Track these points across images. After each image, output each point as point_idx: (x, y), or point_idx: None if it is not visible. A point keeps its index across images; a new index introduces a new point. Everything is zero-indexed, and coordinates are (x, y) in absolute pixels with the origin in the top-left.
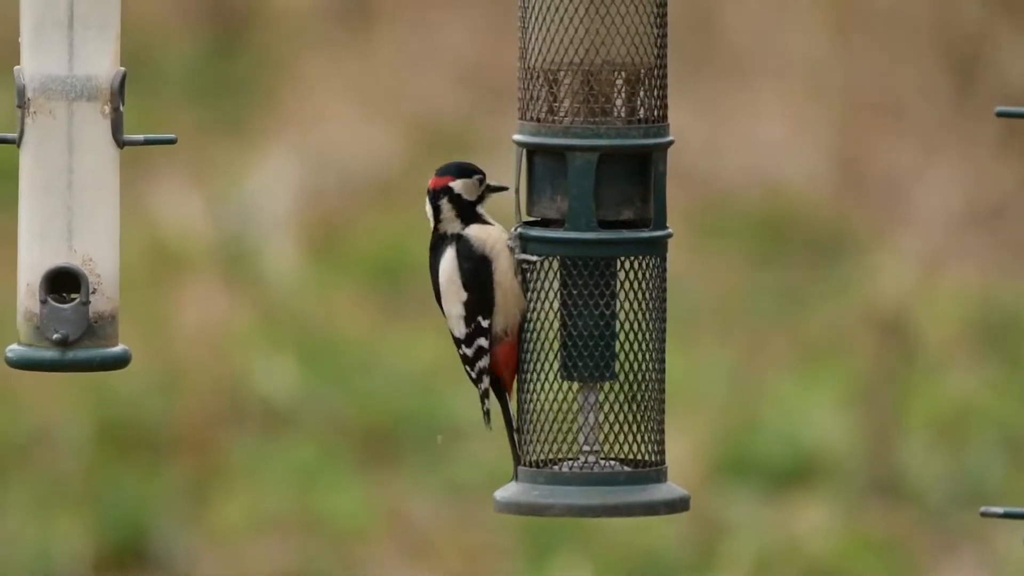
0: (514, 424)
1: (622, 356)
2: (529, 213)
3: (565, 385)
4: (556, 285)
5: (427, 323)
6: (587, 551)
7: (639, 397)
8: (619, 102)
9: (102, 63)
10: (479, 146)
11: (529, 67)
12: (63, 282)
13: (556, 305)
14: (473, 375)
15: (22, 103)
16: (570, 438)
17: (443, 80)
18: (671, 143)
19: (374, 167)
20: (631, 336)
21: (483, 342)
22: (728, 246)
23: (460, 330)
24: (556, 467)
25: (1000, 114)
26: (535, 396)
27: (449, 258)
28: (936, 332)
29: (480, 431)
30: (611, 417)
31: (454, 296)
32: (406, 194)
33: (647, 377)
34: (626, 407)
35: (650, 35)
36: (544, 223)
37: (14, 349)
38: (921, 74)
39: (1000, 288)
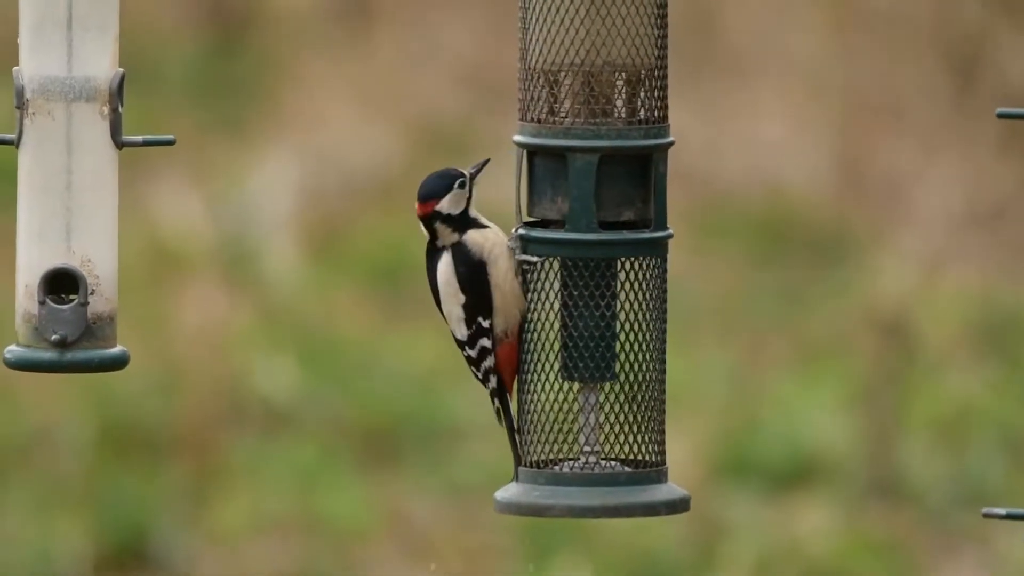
0: (515, 424)
1: (623, 357)
2: (530, 214)
3: (566, 385)
4: (557, 286)
5: (427, 324)
6: (587, 552)
7: (640, 397)
8: (620, 103)
9: (101, 64)
10: (479, 147)
11: (530, 68)
12: (62, 283)
13: (557, 306)
14: (480, 376)
15: (21, 104)
16: (571, 439)
17: (443, 81)
18: (672, 144)
19: (374, 168)
20: (632, 337)
21: (486, 342)
22: (728, 246)
23: (462, 332)
24: (557, 468)
25: (1001, 115)
26: (536, 397)
27: (446, 262)
28: (936, 333)
29: (481, 432)
30: (612, 418)
31: (453, 299)
32: (406, 195)
33: (648, 377)
34: (627, 407)
35: (651, 36)
36: (544, 224)
37: (13, 350)
38: (921, 74)
39: (1001, 289)
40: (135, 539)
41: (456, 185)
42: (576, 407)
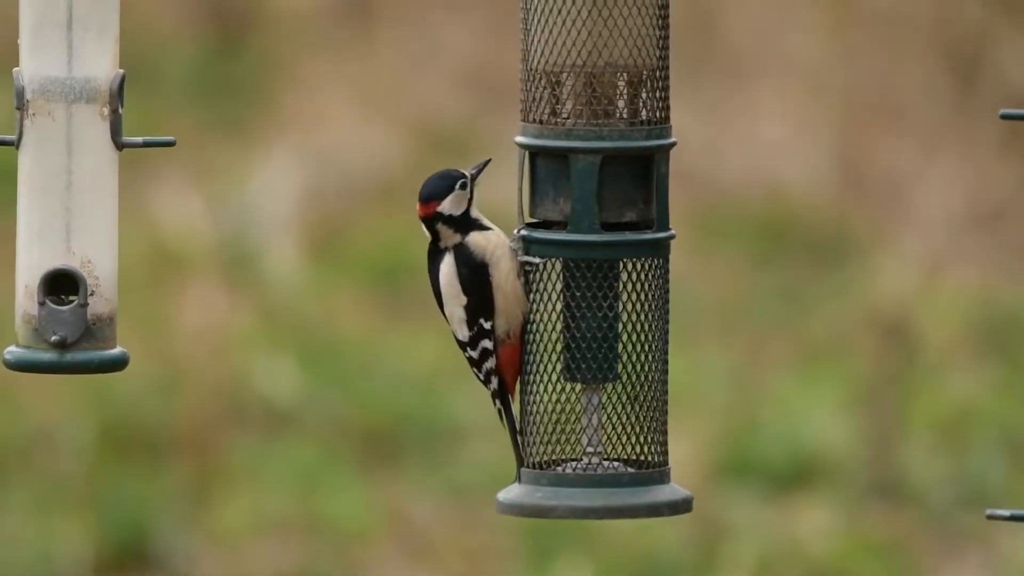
0: (516, 426)
1: (625, 357)
2: (531, 215)
3: (568, 386)
4: (559, 287)
5: (428, 324)
6: (589, 552)
7: (642, 398)
8: (621, 104)
9: (101, 65)
10: (480, 148)
11: (531, 69)
12: (61, 284)
13: (559, 307)
14: (481, 377)
15: (21, 105)
16: (573, 439)
17: (445, 82)
18: (674, 144)
19: (375, 168)
20: (634, 337)
21: (488, 344)
22: (729, 247)
23: (463, 333)
24: (559, 468)
25: (1005, 116)
26: (538, 398)
27: (448, 263)
28: (937, 333)
29: (481, 432)
30: (614, 418)
31: (455, 300)
32: (407, 195)
33: (650, 378)
34: (629, 408)
35: (652, 37)
36: (547, 225)
37: (12, 351)
38: (921, 74)
39: (1001, 289)
40: (135, 539)
41: (457, 186)
42: (578, 408)
